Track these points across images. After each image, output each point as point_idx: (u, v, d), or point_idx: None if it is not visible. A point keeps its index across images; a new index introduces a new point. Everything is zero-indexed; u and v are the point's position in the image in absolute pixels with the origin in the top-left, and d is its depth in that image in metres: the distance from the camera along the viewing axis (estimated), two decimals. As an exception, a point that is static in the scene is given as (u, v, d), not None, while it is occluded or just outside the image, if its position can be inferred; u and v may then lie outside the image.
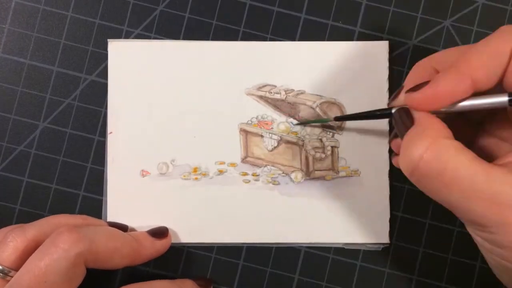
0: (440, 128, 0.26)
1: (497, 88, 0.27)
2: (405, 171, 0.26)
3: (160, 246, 0.35)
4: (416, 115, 0.27)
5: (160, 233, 0.36)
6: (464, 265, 0.37)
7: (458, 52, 0.29)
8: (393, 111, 0.30)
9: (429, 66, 0.30)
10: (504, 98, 0.26)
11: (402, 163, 0.26)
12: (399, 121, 0.28)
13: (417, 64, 0.30)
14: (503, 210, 0.24)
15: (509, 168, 0.25)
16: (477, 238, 0.27)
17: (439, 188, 0.25)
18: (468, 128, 0.31)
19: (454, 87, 0.26)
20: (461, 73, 0.26)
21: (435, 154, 0.25)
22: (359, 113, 0.34)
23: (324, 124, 0.38)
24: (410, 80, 0.30)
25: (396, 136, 0.32)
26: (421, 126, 0.26)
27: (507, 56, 0.26)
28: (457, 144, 0.25)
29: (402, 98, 0.29)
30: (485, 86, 0.26)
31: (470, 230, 0.27)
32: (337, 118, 0.36)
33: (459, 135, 0.27)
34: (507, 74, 0.26)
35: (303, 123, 0.37)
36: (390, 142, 0.32)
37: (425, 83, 0.27)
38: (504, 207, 0.24)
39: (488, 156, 0.28)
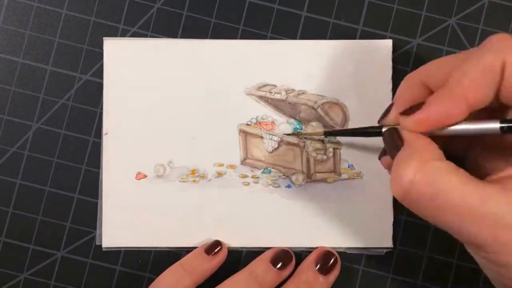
0: (430, 150, 0.26)
1: (495, 104, 0.26)
2: (397, 196, 0.26)
3: (220, 260, 0.36)
4: (406, 135, 0.27)
5: (215, 247, 0.36)
6: (470, 270, 0.37)
7: (447, 64, 0.28)
8: (383, 130, 0.29)
9: (419, 81, 0.29)
10: (495, 125, 0.26)
11: (393, 187, 0.26)
12: (389, 141, 0.28)
13: (406, 78, 0.30)
14: (498, 230, 0.24)
15: (503, 185, 0.25)
16: (476, 257, 0.27)
17: (432, 212, 0.25)
18: (461, 141, 0.30)
19: (449, 111, 0.26)
20: (454, 96, 0.26)
21: (425, 178, 0.24)
22: (350, 129, 0.35)
23: (326, 125, 0.37)
24: (400, 96, 0.29)
25: (385, 153, 0.31)
26: (411, 148, 0.26)
27: (499, 72, 0.25)
28: (448, 166, 0.25)
29: (392, 116, 0.29)
30: (481, 105, 0.26)
31: (468, 249, 0.27)
32: (326, 133, 0.36)
33: (451, 150, 0.26)
34: (502, 89, 0.26)
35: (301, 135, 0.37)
36: (379, 158, 0.32)
37: (419, 105, 0.27)
38: (499, 226, 0.24)
39: (482, 170, 0.28)
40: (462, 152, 0.30)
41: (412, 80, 0.30)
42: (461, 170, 0.25)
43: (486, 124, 0.26)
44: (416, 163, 0.25)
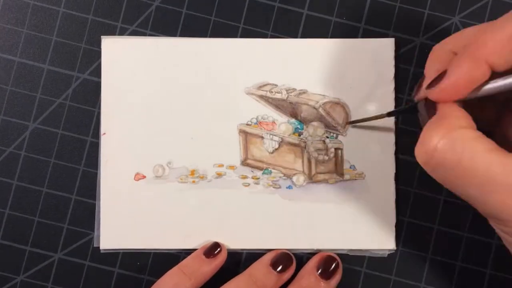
0: (459, 117, 0.26)
1: None
2: (420, 161, 0.26)
3: (219, 263, 0.35)
4: (439, 105, 0.27)
5: (214, 249, 0.35)
6: (474, 272, 0.36)
7: (475, 32, 0.28)
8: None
9: (447, 50, 0.29)
10: None
11: (417, 152, 0.26)
12: (423, 113, 0.28)
13: (433, 48, 0.30)
14: None
15: None
16: (499, 231, 0.26)
17: (454, 179, 0.25)
18: (494, 110, 0.30)
19: (471, 74, 0.25)
20: (476, 59, 0.25)
21: (450, 144, 0.24)
22: (386, 114, 0.34)
23: (327, 125, 0.36)
24: (429, 67, 0.29)
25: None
26: (440, 116, 0.26)
27: None
28: (474, 133, 0.25)
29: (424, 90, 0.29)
30: (502, 68, 0.26)
31: (491, 223, 0.26)
32: (349, 122, 0.36)
33: (484, 119, 0.26)
34: None
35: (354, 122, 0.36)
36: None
37: (442, 74, 0.26)
38: None
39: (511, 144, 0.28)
40: (494, 122, 0.30)
41: (440, 49, 0.29)
42: (489, 140, 0.25)
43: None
44: (443, 129, 0.25)
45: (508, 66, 0.25)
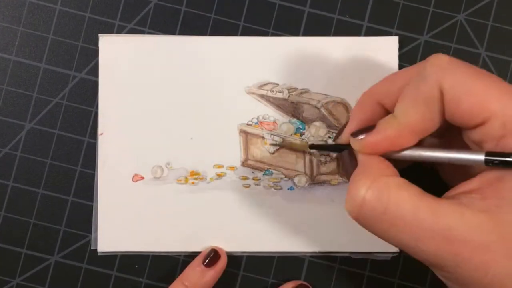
0: (382, 167, 0.26)
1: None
2: (350, 214, 0.26)
3: (220, 269, 0.35)
4: (359, 156, 0.27)
5: (213, 257, 0.35)
6: (479, 276, 0.36)
7: (398, 81, 0.28)
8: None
9: (373, 100, 0.29)
10: (480, 157, 0.25)
11: (347, 208, 0.26)
12: (345, 161, 0.29)
13: (361, 95, 0.30)
14: (455, 246, 0.23)
15: (458, 200, 0.24)
16: (441, 278, 0.26)
17: (385, 229, 0.25)
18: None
19: (397, 140, 0.26)
20: (401, 125, 0.26)
21: (376, 194, 0.24)
22: (324, 145, 0.36)
23: (330, 125, 0.36)
24: (355, 116, 0.30)
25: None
26: (363, 167, 0.26)
27: (438, 99, 0.25)
28: (399, 181, 0.25)
29: (345, 136, 0.29)
30: (429, 132, 0.26)
31: (432, 269, 0.26)
32: (311, 146, 0.35)
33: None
34: (445, 114, 0.25)
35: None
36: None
37: (369, 128, 0.27)
38: (455, 242, 0.23)
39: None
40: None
41: (366, 99, 0.30)
42: (414, 186, 0.25)
43: (468, 156, 0.25)
44: (367, 180, 0.25)
45: (435, 128, 0.26)
